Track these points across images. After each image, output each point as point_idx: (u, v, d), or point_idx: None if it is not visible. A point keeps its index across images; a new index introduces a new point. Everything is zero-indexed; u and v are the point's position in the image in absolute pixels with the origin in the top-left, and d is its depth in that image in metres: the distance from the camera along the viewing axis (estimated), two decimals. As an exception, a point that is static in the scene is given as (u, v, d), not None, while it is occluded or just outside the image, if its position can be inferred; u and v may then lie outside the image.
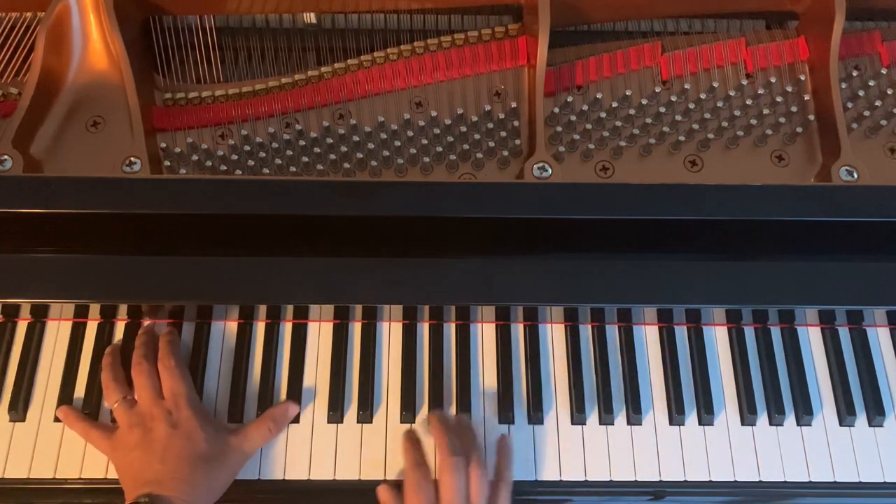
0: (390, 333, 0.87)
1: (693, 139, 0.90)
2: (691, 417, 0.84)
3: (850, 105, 0.92)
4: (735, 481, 0.81)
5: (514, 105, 0.89)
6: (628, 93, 0.90)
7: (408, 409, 0.83)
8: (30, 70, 0.87)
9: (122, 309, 0.86)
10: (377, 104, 0.91)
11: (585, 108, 0.91)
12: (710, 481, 0.81)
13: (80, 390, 0.84)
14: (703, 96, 0.91)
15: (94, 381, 0.84)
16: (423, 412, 0.84)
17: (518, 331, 0.87)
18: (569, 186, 0.81)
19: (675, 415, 0.83)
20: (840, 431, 0.84)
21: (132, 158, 0.84)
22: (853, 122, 0.91)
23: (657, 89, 0.92)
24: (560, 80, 0.92)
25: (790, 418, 0.84)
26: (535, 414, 0.83)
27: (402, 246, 0.81)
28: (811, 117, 0.90)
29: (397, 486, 0.77)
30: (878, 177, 0.86)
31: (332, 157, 0.88)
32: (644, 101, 0.91)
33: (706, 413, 0.83)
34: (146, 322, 0.87)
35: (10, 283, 0.80)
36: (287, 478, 0.81)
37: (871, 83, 0.92)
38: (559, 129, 0.89)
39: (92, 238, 0.80)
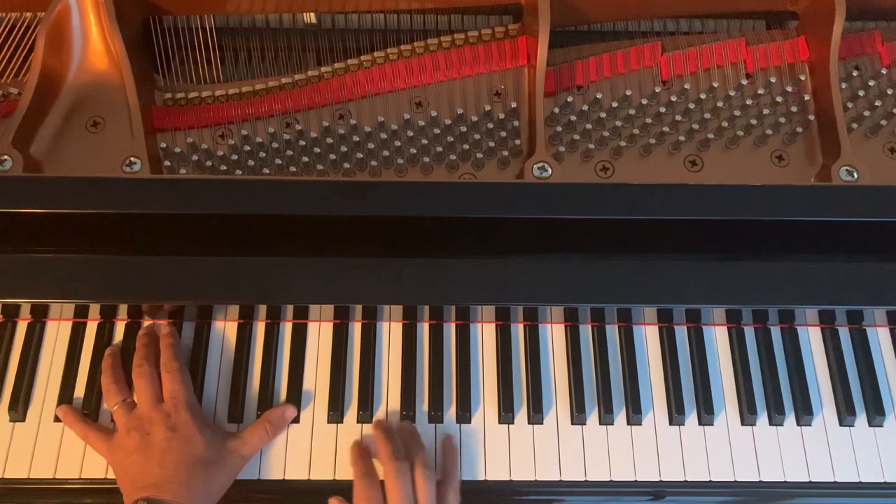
0: (390, 333, 0.87)
1: (693, 139, 0.90)
2: (691, 417, 0.84)
3: (850, 105, 0.92)
4: (735, 481, 0.81)
5: (514, 105, 0.89)
6: (628, 93, 0.90)
7: (408, 409, 0.83)
8: (30, 70, 0.87)
9: (122, 309, 0.86)
10: (377, 104, 0.91)
11: (585, 108, 0.91)
12: (710, 481, 0.81)
13: (79, 390, 0.84)
14: (703, 96, 0.91)
15: (94, 381, 0.84)
16: (423, 412, 0.84)
17: (518, 331, 0.87)
18: (569, 186, 0.81)
19: (675, 415, 0.83)
20: (840, 431, 0.84)
21: (132, 158, 0.84)
22: (853, 122, 0.91)
23: (657, 89, 0.92)
24: (560, 80, 0.92)
25: (790, 418, 0.84)
26: (535, 414, 0.83)
27: (402, 246, 0.81)
28: (811, 117, 0.90)
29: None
30: (878, 177, 0.86)
31: (332, 157, 0.88)
32: (644, 101, 0.91)
33: (706, 413, 0.83)
34: (146, 322, 0.87)
35: (10, 283, 0.80)
36: (287, 478, 0.81)
37: (871, 83, 0.92)
38: (559, 129, 0.89)
39: (92, 238, 0.80)
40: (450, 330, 0.87)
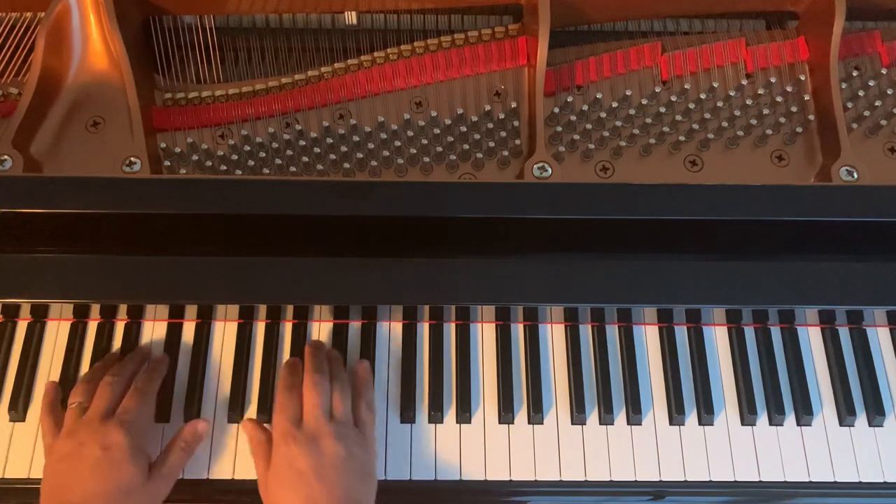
0: (390, 333, 0.87)
1: (693, 139, 0.90)
2: (691, 417, 0.84)
3: (850, 105, 0.92)
4: (735, 481, 0.81)
5: (514, 105, 0.89)
6: (628, 93, 0.90)
7: (407, 409, 0.83)
8: (30, 70, 0.87)
9: (122, 309, 0.86)
10: (377, 104, 0.91)
11: (585, 108, 0.91)
12: (710, 481, 0.81)
13: (80, 390, 0.84)
14: (703, 96, 0.91)
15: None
16: (423, 412, 0.84)
17: (518, 331, 0.87)
18: (569, 186, 0.81)
19: (675, 415, 0.83)
20: (840, 431, 0.84)
21: (132, 158, 0.84)
22: (853, 122, 0.91)
23: (657, 89, 0.92)
24: (560, 80, 0.92)
25: (790, 418, 0.84)
26: (535, 414, 0.83)
27: (402, 246, 0.81)
28: (811, 117, 0.90)
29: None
30: (878, 177, 0.86)
31: (332, 157, 0.88)
32: (644, 101, 0.91)
33: (706, 413, 0.83)
34: (147, 322, 0.87)
35: (10, 283, 0.80)
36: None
37: (871, 83, 0.92)
38: (559, 129, 0.89)
39: (92, 238, 0.80)
40: (450, 330, 0.87)
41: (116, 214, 0.79)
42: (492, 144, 0.88)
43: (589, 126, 0.90)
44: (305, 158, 0.88)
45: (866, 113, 0.91)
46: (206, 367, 0.85)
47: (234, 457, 0.82)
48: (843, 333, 0.88)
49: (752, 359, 0.87)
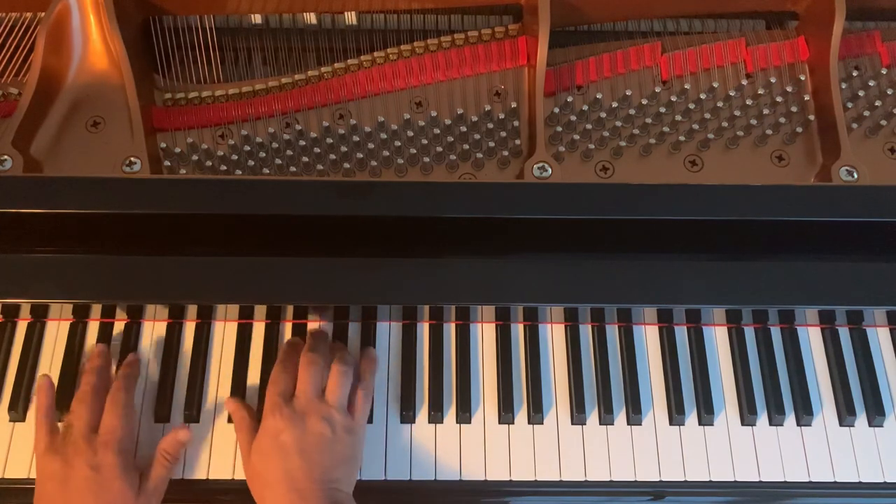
0: (390, 333, 0.87)
1: (693, 139, 0.90)
2: (691, 417, 0.84)
3: (850, 105, 0.92)
4: (735, 481, 0.81)
5: (514, 105, 0.89)
6: (628, 93, 0.90)
7: (408, 409, 0.83)
8: (30, 70, 0.87)
9: (122, 309, 0.86)
10: (377, 104, 0.91)
11: (585, 108, 0.91)
12: (710, 481, 0.81)
13: (79, 390, 0.84)
14: (703, 96, 0.91)
15: (94, 381, 0.84)
16: (423, 412, 0.84)
17: (518, 331, 0.87)
18: (569, 186, 0.81)
19: (675, 415, 0.83)
20: (840, 431, 0.84)
21: (132, 158, 0.84)
22: (853, 122, 0.91)
23: (657, 89, 0.92)
24: (560, 80, 0.92)
25: (790, 418, 0.84)
26: (535, 414, 0.83)
27: (402, 246, 0.81)
28: (811, 117, 0.90)
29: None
30: (878, 177, 0.86)
31: (332, 157, 0.88)
32: (644, 101, 0.91)
33: (706, 413, 0.83)
34: (147, 322, 0.87)
35: (10, 283, 0.80)
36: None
37: (871, 83, 0.92)
38: (559, 129, 0.89)
39: (92, 238, 0.80)
40: (450, 330, 0.87)
41: (116, 214, 0.79)
42: (492, 144, 0.88)
43: (589, 126, 0.90)
44: (305, 158, 0.88)
45: (866, 113, 0.91)
46: (206, 367, 0.85)
47: (234, 457, 0.82)
48: (843, 333, 0.88)
49: (752, 359, 0.87)
